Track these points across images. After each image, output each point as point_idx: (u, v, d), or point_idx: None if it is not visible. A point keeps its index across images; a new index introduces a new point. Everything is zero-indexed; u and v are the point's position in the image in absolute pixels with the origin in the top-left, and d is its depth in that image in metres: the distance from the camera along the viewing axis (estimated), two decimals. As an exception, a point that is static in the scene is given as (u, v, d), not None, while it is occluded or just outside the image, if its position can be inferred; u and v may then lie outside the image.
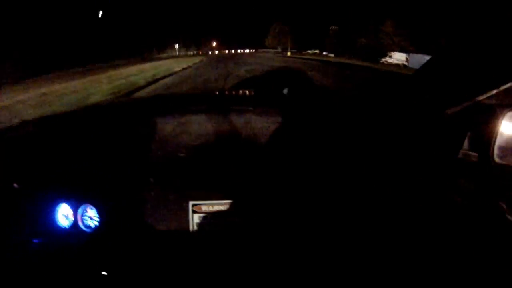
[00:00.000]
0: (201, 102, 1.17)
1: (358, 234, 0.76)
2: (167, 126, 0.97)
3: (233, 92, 1.49)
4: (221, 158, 0.89)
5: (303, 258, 0.75)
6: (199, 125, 0.97)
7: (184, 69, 14.41)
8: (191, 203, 0.79)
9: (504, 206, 0.71)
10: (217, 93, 1.45)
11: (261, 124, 0.96)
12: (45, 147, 0.95)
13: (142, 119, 1.01)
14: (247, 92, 1.48)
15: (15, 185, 0.80)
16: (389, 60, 25.00)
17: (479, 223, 0.72)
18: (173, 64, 16.62)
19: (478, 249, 0.70)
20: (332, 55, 32.40)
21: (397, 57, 24.39)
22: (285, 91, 1.21)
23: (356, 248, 0.75)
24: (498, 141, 0.75)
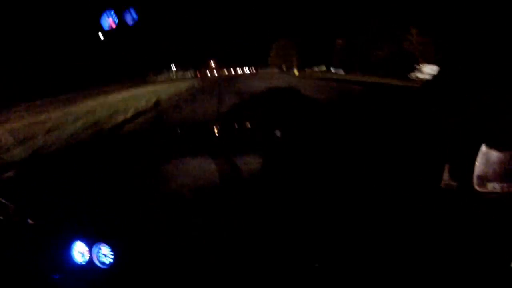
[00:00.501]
0: (199, 141, 1.41)
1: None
2: (170, 166, 1.20)
3: (234, 125, 1.71)
4: (218, 195, 1.08)
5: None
6: (198, 166, 1.18)
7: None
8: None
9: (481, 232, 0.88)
10: (215, 129, 1.68)
11: (254, 166, 1.16)
12: (57, 184, 1.17)
13: (147, 161, 1.24)
14: (245, 125, 1.72)
15: (30, 221, 1.00)
16: (420, 75, 22.65)
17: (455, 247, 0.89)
18: (138, 100, 10.58)
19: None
20: (341, 71, 32.37)
21: (427, 71, 22.15)
22: (277, 132, 1.40)
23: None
24: (477, 171, 0.91)
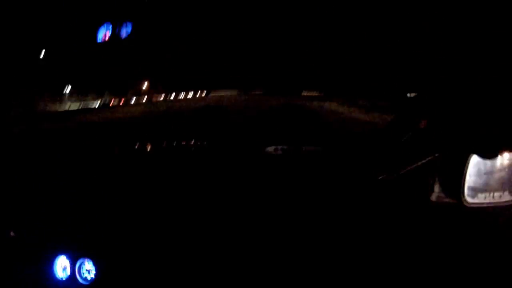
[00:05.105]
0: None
1: None
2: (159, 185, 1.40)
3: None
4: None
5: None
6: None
7: None
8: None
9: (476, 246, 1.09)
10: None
11: None
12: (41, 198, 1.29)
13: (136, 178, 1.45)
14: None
15: (12, 233, 1.11)
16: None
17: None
18: None
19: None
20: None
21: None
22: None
23: None
24: (468, 182, 1.17)
